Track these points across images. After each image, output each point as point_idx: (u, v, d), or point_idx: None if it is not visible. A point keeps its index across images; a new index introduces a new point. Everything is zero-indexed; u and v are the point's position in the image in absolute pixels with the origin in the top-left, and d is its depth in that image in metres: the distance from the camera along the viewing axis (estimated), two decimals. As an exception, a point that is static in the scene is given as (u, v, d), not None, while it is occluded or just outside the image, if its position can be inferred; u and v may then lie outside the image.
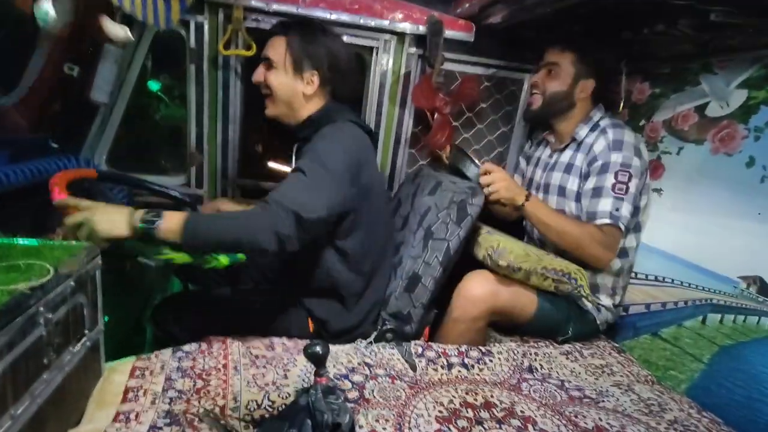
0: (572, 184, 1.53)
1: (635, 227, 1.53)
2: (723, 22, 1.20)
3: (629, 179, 1.39)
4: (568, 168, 1.55)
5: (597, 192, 1.42)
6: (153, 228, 1.01)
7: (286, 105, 1.32)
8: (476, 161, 1.54)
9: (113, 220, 1.01)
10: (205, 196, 1.87)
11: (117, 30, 1.20)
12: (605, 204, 1.40)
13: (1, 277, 0.75)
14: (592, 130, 1.53)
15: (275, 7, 1.63)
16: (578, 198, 1.51)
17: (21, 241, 0.91)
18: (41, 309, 0.75)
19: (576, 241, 1.41)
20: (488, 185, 1.40)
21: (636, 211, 1.47)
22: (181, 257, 1.11)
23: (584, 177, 1.49)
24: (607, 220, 1.39)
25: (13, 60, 1.41)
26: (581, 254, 1.42)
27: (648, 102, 1.62)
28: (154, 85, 2.97)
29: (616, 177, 1.40)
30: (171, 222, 1.03)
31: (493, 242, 1.38)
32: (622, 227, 1.40)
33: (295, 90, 1.30)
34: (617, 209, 1.39)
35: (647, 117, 1.61)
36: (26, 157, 1.45)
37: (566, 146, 1.59)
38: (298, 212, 1.08)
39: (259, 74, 1.31)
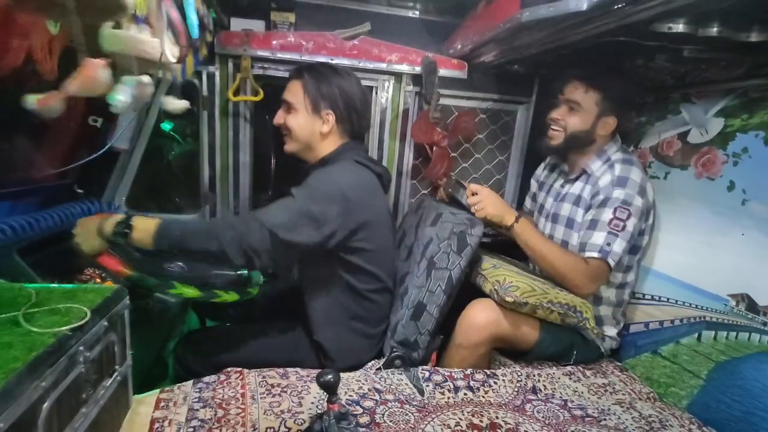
0: (579, 216, 1.53)
1: (636, 264, 1.55)
2: (696, 57, 1.30)
3: (628, 217, 1.39)
4: (577, 200, 1.56)
5: (593, 225, 1.43)
6: (125, 237, 1.11)
7: (304, 143, 1.42)
8: (465, 185, 1.60)
9: (87, 234, 1.12)
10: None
11: (179, 104, 1.35)
12: (598, 237, 1.41)
13: (45, 320, 0.84)
14: (604, 163, 1.52)
15: (280, 55, 1.76)
16: None
17: (58, 286, 0.99)
18: (81, 348, 0.83)
19: (557, 267, 1.44)
20: (475, 203, 1.47)
21: (635, 249, 1.49)
22: (191, 292, 1.20)
23: (586, 209, 1.50)
24: (595, 254, 1.40)
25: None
26: (561, 280, 1.45)
27: (636, 129, 1.70)
28: (166, 126, 3.11)
29: (614, 213, 1.40)
30: (142, 230, 1.12)
31: (498, 277, 1.42)
32: (612, 263, 1.40)
33: (312, 129, 1.39)
34: (608, 244, 1.39)
35: (635, 144, 1.70)
36: (54, 203, 1.56)
37: (577, 178, 1.60)
38: (273, 230, 1.14)
39: (279, 117, 1.42)
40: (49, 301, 0.92)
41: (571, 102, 1.51)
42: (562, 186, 1.67)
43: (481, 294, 1.50)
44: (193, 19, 1.07)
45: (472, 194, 1.52)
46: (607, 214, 1.41)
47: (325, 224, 1.24)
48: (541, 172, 1.85)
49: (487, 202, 1.49)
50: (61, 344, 0.78)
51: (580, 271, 1.42)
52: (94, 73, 0.82)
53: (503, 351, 1.57)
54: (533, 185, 1.88)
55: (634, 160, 1.50)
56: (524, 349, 1.51)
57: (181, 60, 1.05)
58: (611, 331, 1.59)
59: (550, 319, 1.44)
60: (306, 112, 1.38)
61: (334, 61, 1.78)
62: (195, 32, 1.07)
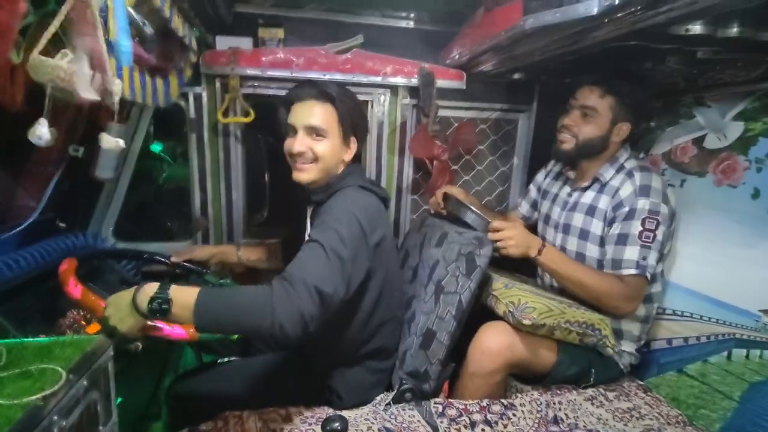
0: (595, 227, 1.47)
1: (660, 273, 1.48)
2: (710, 59, 1.23)
3: (657, 227, 1.34)
4: (591, 210, 1.49)
5: (622, 239, 1.36)
6: (164, 314, 0.98)
7: (326, 171, 1.29)
8: (472, 208, 1.51)
9: (122, 315, 0.98)
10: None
11: (112, 143, 1.23)
12: (631, 253, 1.34)
13: (14, 386, 0.74)
14: (618, 171, 1.47)
15: (270, 73, 1.68)
16: (602, 242, 1.45)
17: (32, 341, 0.90)
18: (55, 418, 0.73)
19: (594, 292, 1.37)
20: (498, 241, 1.38)
21: (661, 257, 1.41)
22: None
23: (609, 222, 1.42)
24: (633, 271, 1.34)
25: (18, 145, 1.44)
26: (600, 304, 1.38)
27: (646, 135, 1.63)
28: (155, 147, 3.02)
29: (643, 224, 1.34)
30: (182, 306, 0.98)
31: (512, 298, 1.34)
32: (648, 276, 1.35)
33: (340, 157, 1.30)
34: (644, 258, 1.33)
35: (646, 150, 1.62)
36: (34, 240, 1.47)
37: (588, 187, 1.52)
38: (321, 289, 1.00)
39: (302, 144, 1.25)
40: (21, 360, 0.82)
41: (586, 108, 1.45)
42: (570, 195, 1.60)
43: (491, 315, 1.41)
44: (123, 45, 0.92)
45: (494, 230, 1.41)
46: (636, 227, 1.34)
47: (356, 262, 1.14)
48: (542, 179, 1.78)
49: (511, 241, 1.39)
50: (31, 417, 0.69)
51: (619, 292, 1.35)
52: None
53: (519, 376, 1.48)
54: (532, 191, 1.82)
55: (651, 168, 1.44)
56: (541, 372, 1.42)
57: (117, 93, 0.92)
58: (630, 347, 1.50)
59: (569, 339, 1.36)
60: (338, 138, 1.27)
61: (326, 77, 1.70)
62: (125, 60, 0.92)
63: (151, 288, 0.99)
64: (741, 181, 1.28)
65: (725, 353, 1.32)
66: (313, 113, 1.25)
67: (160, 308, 0.97)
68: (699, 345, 1.40)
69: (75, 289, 1.08)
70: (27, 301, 1.27)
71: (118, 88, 0.94)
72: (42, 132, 0.94)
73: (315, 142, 1.25)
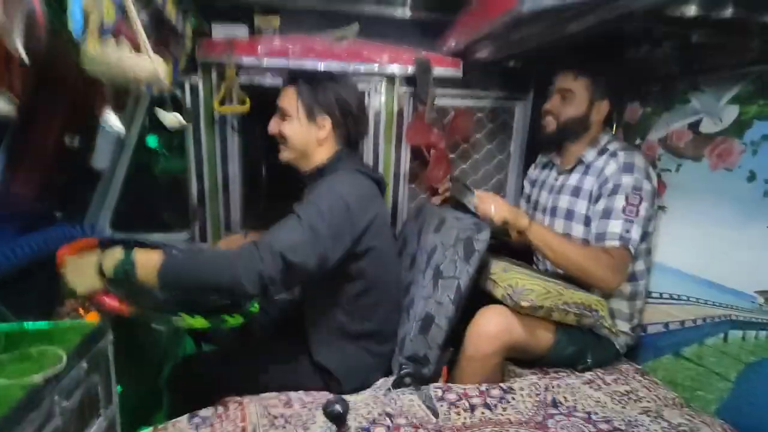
0: (581, 207, 1.51)
1: (645, 252, 1.51)
2: (705, 43, 1.23)
3: (640, 202, 1.38)
4: (576, 191, 1.53)
5: (606, 213, 1.40)
6: (129, 275, 1.00)
7: (300, 151, 1.35)
8: (474, 191, 1.51)
9: (84, 274, 1.00)
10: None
11: (171, 118, 1.31)
12: (615, 226, 1.38)
13: (15, 368, 0.75)
14: (600, 153, 1.51)
15: (266, 61, 1.68)
16: (587, 221, 1.49)
17: (31, 325, 0.90)
18: (56, 398, 0.74)
19: (581, 264, 1.39)
20: (487, 210, 1.41)
21: (645, 236, 1.45)
22: (199, 322, 1.10)
23: (595, 199, 1.46)
24: (616, 242, 1.37)
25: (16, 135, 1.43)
26: (587, 278, 1.40)
27: (641, 121, 1.64)
28: (152, 140, 3.01)
29: (627, 200, 1.38)
30: (146, 266, 1.01)
31: (510, 281, 1.35)
32: (632, 249, 1.38)
33: (308, 137, 1.32)
34: (627, 231, 1.37)
35: (642, 136, 1.63)
36: (32, 229, 1.46)
37: (573, 169, 1.57)
38: (286, 255, 1.06)
39: (273, 126, 1.35)
40: (22, 343, 0.83)
41: (563, 90, 1.52)
42: (556, 179, 1.65)
43: (490, 300, 1.42)
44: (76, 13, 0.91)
45: (480, 199, 1.44)
46: (619, 202, 1.38)
47: (334, 240, 1.17)
48: (532, 171, 1.82)
49: (500, 205, 1.42)
50: (32, 397, 0.69)
51: (605, 263, 1.37)
52: None
53: (515, 360, 1.49)
54: (526, 186, 1.84)
55: (633, 147, 1.51)
56: (538, 355, 1.44)
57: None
58: (624, 326, 1.52)
59: (566, 321, 1.38)
60: (302, 118, 1.31)
61: (322, 66, 1.70)
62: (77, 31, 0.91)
63: (117, 252, 1.03)
64: (737, 165, 1.29)
65: (721, 335, 1.33)
66: (282, 96, 1.34)
67: (125, 271, 1.00)
68: (695, 328, 1.41)
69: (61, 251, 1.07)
70: (25, 290, 1.27)
71: (163, 70, 0.99)
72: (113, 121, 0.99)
73: (283, 123, 1.33)
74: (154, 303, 1.17)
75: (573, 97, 1.50)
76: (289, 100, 1.32)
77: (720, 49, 1.31)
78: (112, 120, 1.10)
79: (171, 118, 1.35)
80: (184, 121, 1.36)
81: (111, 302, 1.03)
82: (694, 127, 1.43)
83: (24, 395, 0.68)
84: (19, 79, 0.94)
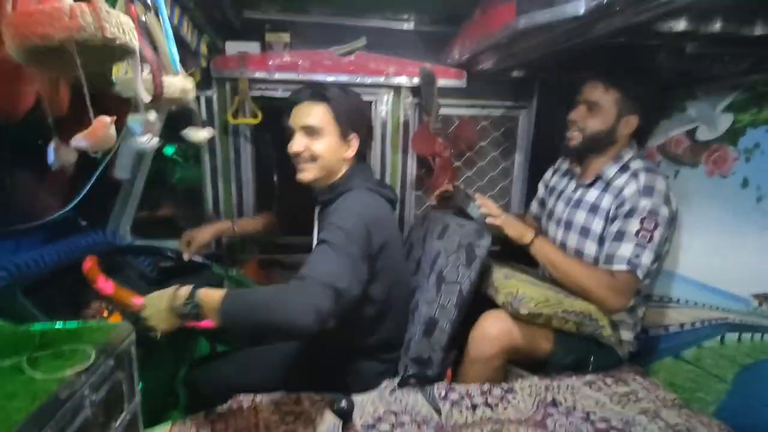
0: (596, 225, 1.47)
1: (654, 272, 1.48)
2: (699, 53, 1.27)
3: (655, 227, 1.34)
4: (593, 209, 1.50)
5: (619, 236, 1.38)
6: (197, 316, 1.06)
7: (328, 170, 1.32)
8: (475, 199, 1.56)
9: (160, 315, 1.08)
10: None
11: (201, 134, 1.32)
12: (625, 249, 1.35)
13: (50, 364, 0.82)
14: (622, 170, 1.46)
15: (277, 75, 1.76)
16: (601, 241, 1.46)
17: (62, 325, 0.98)
18: (86, 392, 0.80)
19: (582, 283, 1.40)
20: (494, 222, 1.45)
21: (656, 258, 1.41)
22: None
23: (611, 220, 1.43)
24: (623, 266, 1.35)
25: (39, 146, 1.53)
26: (587, 297, 1.40)
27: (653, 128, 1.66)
28: (168, 150, 3.11)
29: (641, 223, 1.35)
30: (209, 308, 1.05)
31: (510, 288, 1.39)
32: (641, 275, 1.35)
33: (339, 155, 1.32)
34: (637, 256, 1.34)
35: (642, 143, 1.66)
36: (57, 237, 1.56)
37: (592, 184, 1.53)
38: (335, 284, 1.05)
39: (299, 144, 1.29)
40: (54, 342, 0.90)
41: (590, 102, 1.46)
42: (574, 191, 1.61)
43: (493, 304, 1.46)
44: (175, 54, 1.03)
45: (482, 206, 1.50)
46: (633, 225, 1.36)
47: (363, 261, 1.18)
48: (550, 176, 1.80)
49: (506, 222, 1.48)
50: (65, 390, 0.77)
51: (606, 285, 1.37)
52: (103, 131, 0.81)
53: (519, 363, 1.54)
54: (541, 190, 1.83)
55: (656, 169, 1.46)
56: (540, 359, 1.47)
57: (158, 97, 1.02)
58: (628, 335, 1.54)
59: (566, 328, 1.40)
60: (335, 137, 1.30)
61: (330, 79, 1.77)
62: (176, 66, 1.03)
63: (184, 292, 1.07)
64: (731, 171, 1.32)
65: (718, 338, 1.36)
66: (309, 113, 1.29)
67: (191, 312, 1.06)
68: (694, 330, 1.44)
69: (106, 284, 1.15)
70: (53, 294, 1.35)
71: (192, 89, 1.05)
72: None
73: (312, 141, 1.29)
74: None
75: (600, 110, 1.45)
76: (321, 117, 1.28)
77: (714, 59, 1.34)
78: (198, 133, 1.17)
79: (202, 134, 1.34)
80: (213, 132, 1.36)
81: (204, 323, 1.11)
82: (691, 134, 1.46)
83: (58, 388, 0.75)
84: (67, 96, 1.03)
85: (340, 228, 1.16)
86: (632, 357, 1.60)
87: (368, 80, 1.81)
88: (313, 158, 1.30)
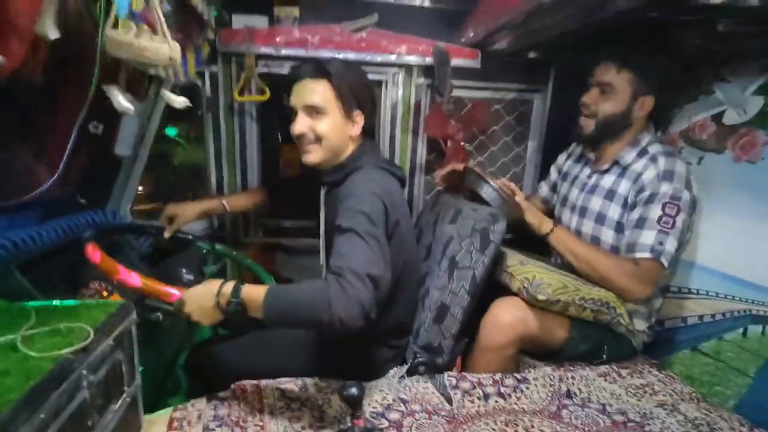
0: (613, 212, 1.44)
1: (675, 259, 1.44)
2: (731, 32, 1.21)
3: (677, 213, 1.30)
4: (610, 194, 1.46)
5: (640, 223, 1.34)
6: (241, 314, 1.04)
7: (333, 150, 1.26)
8: (490, 181, 1.50)
9: (206, 312, 1.06)
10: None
11: (178, 100, 1.24)
12: (648, 237, 1.32)
13: (45, 342, 0.77)
14: (639, 155, 1.42)
15: (284, 51, 1.69)
16: (618, 228, 1.43)
17: (59, 303, 0.93)
18: (84, 372, 0.76)
19: (603, 273, 1.36)
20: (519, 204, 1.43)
21: (680, 245, 1.37)
22: None
23: (630, 207, 1.40)
24: (647, 254, 1.31)
25: (40, 122, 1.47)
26: (610, 287, 1.36)
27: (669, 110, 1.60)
28: (171, 131, 3.06)
29: (663, 209, 1.31)
30: (253, 307, 1.03)
31: (527, 274, 1.34)
32: (665, 262, 1.31)
33: (345, 134, 1.25)
34: (660, 243, 1.30)
35: (663, 129, 1.60)
36: (56, 215, 1.50)
37: (608, 170, 1.49)
38: (371, 273, 1.01)
39: (303, 125, 1.23)
40: (50, 320, 0.85)
41: (603, 84, 1.41)
42: (589, 177, 1.56)
43: (505, 292, 1.42)
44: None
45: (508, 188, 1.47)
46: (655, 211, 1.31)
47: (385, 239, 1.14)
48: (563, 161, 1.74)
49: (528, 209, 1.45)
50: (62, 369, 0.72)
51: (629, 273, 1.33)
52: None
53: (531, 353, 1.49)
54: (553, 173, 1.78)
55: (675, 152, 1.41)
56: (553, 348, 1.43)
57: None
58: (641, 325, 1.49)
59: (583, 316, 1.36)
60: (338, 115, 1.23)
61: (340, 56, 1.70)
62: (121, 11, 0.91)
63: (228, 290, 1.04)
64: (761, 157, 1.27)
65: (740, 330, 1.32)
66: (311, 91, 1.22)
67: (237, 310, 1.04)
68: (714, 322, 1.39)
69: (132, 277, 1.09)
70: (50, 272, 1.31)
71: (177, 52, 0.99)
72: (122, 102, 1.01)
73: (315, 121, 1.22)
74: None
75: (614, 91, 1.40)
76: (323, 95, 1.21)
77: (746, 38, 1.28)
78: (118, 97, 1.09)
79: (178, 100, 1.26)
80: (189, 103, 1.26)
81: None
82: (717, 118, 1.40)
83: (54, 367, 0.71)
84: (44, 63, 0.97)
85: (361, 212, 1.10)
86: (647, 348, 1.56)
87: (379, 58, 1.75)
88: (318, 139, 1.24)
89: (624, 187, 1.42)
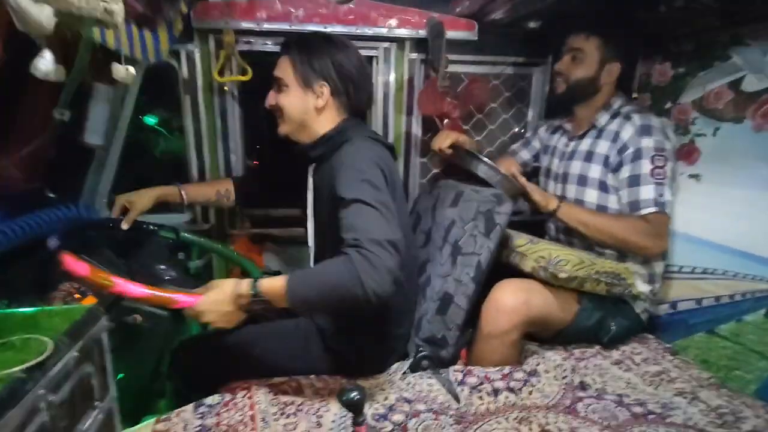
0: (594, 172, 1.48)
1: None
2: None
3: (665, 163, 1.35)
4: (589, 156, 1.50)
5: (634, 180, 1.37)
6: (264, 308, 1.04)
7: (297, 123, 1.27)
8: (485, 159, 1.44)
9: (228, 317, 1.04)
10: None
11: (122, 71, 1.13)
12: (647, 192, 1.35)
13: (-7, 359, 0.66)
14: (613, 116, 1.47)
15: (267, 26, 1.56)
16: (602, 186, 1.47)
17: (15, 311, 0.82)
18: (41, 392, 0.65)
19: (618, 235, 1.38)
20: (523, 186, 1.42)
21: (673, 193, 1.40)
22: None
23: (615, 166, 1.42)
24: (653, 209, 1.34)
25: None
26: (627, 248, 1.40)
27: (672, 83, 1.52)
28: (150, 120, 2.91)
29: (652, 162, 1.35)
30: (275, 296, 1.01)
31: (542, 252, 1.29)
32: (668, 212, 1.36)
33: (306, 106, 1.25)
34: (660, 195, 1.34)
35: (673, 99, 1.51)
36: (22, 211, 1.38)
37: (585, 134, 1.53)
38: (391, 239, 1.00)
39: (271, 98, 1.28)
40: (5, 331, 0.74)
41: (574, 50, 1.48)
42: (567, 145, 1.61)
43: (507, 273, 1.35)
44: None
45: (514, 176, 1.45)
46: (646, 166, 1.36)
47: (394, 208, 1.11)
48: (543, 132, 1.76)
49: (532, 187, 1.45)
50: (12, 391, 0.61)
51: (642, 231, 1.36)
52: None
53: (534, 338, 1.42)
54: (535, 140, 1.78)
55: (646, 109, 1.52)
56: (558, 328, 1.38)
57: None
58: (644, 287, 1.46)
59: (597, 290, 1.33)
60: (297, 87, 1.23)
61: (327, 29, 1.58)
62: None
63: (246, 289, 1.02)
64: (785, 125, 1.18)
65: (762, 311, 1.24)
66: (277, 66, 1.26)
67: (258, 307, 1.04)
68: (732, 304, 1.31)
69: (133, 288, 0.99)
70: (16, 274, 1.19)
71: (120, 7, 0.84)
72: (45, 65, 0.84)
73: (279, 94, 1.26)
74: None
75: (583, 57, 1.46)
76: (284, 69, 1.24)
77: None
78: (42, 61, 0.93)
79: (122, 71, 1.18)
80: (134, 73, 1.18)
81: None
82: (735, 85, 1.31)
83: (2, 389, 0.60)
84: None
85: (363, 180, 1.08)
86: (659, 331, 1.50)
87: (368, 31, 1.62)
88: (280, 111, 1.27)
89: (602, 146, 1.46)
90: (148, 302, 1.07)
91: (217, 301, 1.03)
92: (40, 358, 0.67)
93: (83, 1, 0.71)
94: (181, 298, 1.02)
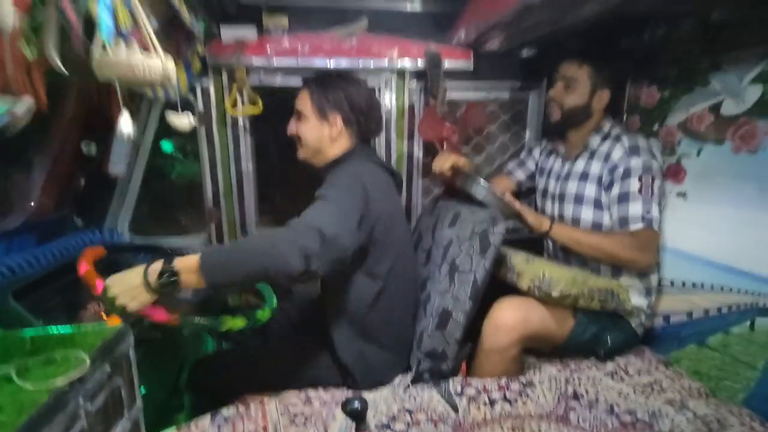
0: (589, 191, 1.55)
1: None
2: (726, 20, 1.19)
3: (653, 181, 1.42)
4: (584, 176, 1.57)
5: (624, 198, 1.44)
6: (174, 285, 1.01)
7: (314, 149, 1.40)
8: (480, 180, 1.53)
9: (133, 292, 1.00)
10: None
11: (183, 121, 1.37)
12: (635, 208, 1.41)
13: (39, 372, 0.76)
14: (604, 138, 1.55)
15: (276, 62, 1.68)
16: (596, 204, 1.53)
17: (54, 330, 0.92)
18: (80, 401, 0.75)
19: (608, 251, 1.45)
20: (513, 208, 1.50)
21: (660, 210, 1.46)
22: (239, 323, 1.16)
23: (607, 185, 1.50)
24: (640, 225, 1.41)
25: (31, 144, 1.46)
26: (617, 262, 1.48)
27: (659, 106, 1.59)
28: (167, 146, 3.04)
29: (640, 180, 1.42)
30: (187, 270, 1.01)
31: (536, 271, 1.36)
32: (656, 227, 1.42)
33: (321, 134, 1.38)
34: (648, 211, 1.41)
35: (660, 121, 1.58)
36: (52, 237, 1.50)
37: (578, 156, 1.61)
38: (322, 228, 1.05)
39: (292, 126, 1.42)
40: (45, 348, 0.84)
41: (566, 78, 1.54)
42: (562, 166, 1.68)
43: (506, 291, 1.42)
44: (106, 21, 0.87)
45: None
46: (634, 185, 1.43)
47: (357, 217, 1.17)
48: (538, 155, 1.84)
49: (524, 210, 1.54)
50: (57, 400, 0.71)
51: (630, 246, 1.43)
52: None
53: (535, 350, 1.49)
54: (530, 161, 1.85)
55: (633, 131, 1.61)
56: (556, 343, 1.44)
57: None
58: (641, 300, 1.52)
59: (591, 306, 1.39)
60: (314, 118, 1.38)
61: (331, 63, 1.69)
62: (107, 36, 0.88)
63: (157, 264, 1.02)
64: (761, 147, 1.25)
65: (747, 323, 1.29)
66: (298, 99, 1.41)
67: (170, 280, 1.00)
68: (720, 316, 1.37)
69: (81, 267, 1.07)
70: (48, 296, 1.30)
71: (170, 67, 0.98)
72: (127, 128, 1.01)
73: (299, 124, 1.40)
74: (191, 308, 1.20)
75: (576, 85, 1.53)
76: (303, 101, 1.38)
77: (742, 26, 1.26)
78: (124, 124, 1.09)
79: (182, 121, 1.38)
80: (194, 122, 1.39)
81: (159, 315, 1.04)
82: (715, 109, 1.38)
83: (49, 399, 0.70)
84: (42, 88, 0.96)
85: (333, 184, 1.22)
86: (653, 344, 1.55)
87: (371, 64, 1.73)
88: (299, 139, 1.41)
89: (596, 167, 1.54)
90: (84, 280, 1.06)
91: (124, 276, 1.02)
92: (79, 372, 0.77)
93: (146, 70, 0.85)
94: (97, 283, 1.03)
